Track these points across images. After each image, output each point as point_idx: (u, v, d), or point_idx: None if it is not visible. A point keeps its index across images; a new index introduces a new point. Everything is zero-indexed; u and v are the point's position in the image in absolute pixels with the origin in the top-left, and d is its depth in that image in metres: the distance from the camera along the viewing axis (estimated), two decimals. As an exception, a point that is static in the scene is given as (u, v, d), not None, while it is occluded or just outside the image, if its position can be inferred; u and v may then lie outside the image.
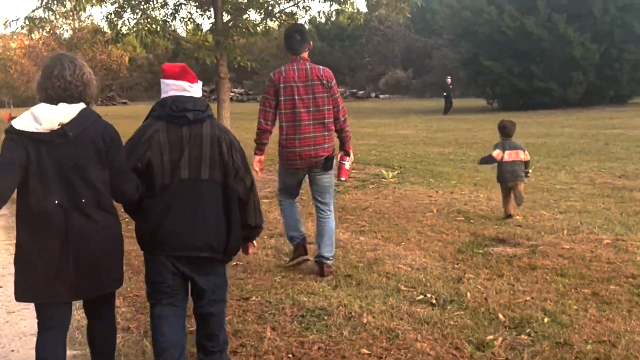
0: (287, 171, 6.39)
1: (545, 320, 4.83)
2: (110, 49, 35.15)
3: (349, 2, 13.46)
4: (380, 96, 70.15)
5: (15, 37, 39.81)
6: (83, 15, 31.48)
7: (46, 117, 3.40)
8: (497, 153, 8.47)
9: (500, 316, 4.97)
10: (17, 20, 12.00)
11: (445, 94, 37.18)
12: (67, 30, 32.63)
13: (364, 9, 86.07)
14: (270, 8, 13.88)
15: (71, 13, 16.56)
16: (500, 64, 34.99)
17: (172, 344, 3.87)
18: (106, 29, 13.44)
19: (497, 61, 35.04)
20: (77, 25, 30.04)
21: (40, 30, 12.11)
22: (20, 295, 3.55)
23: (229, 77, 12.92)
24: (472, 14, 36.22)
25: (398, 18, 72.69)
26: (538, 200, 9.54)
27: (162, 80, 3.94)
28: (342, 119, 6.32)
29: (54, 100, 3.49)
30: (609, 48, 34.04)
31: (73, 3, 11.86)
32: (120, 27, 13.19)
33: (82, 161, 3.47)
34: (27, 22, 11.87)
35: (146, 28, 13.15)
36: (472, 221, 8.34)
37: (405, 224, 8.34)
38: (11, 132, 3.42)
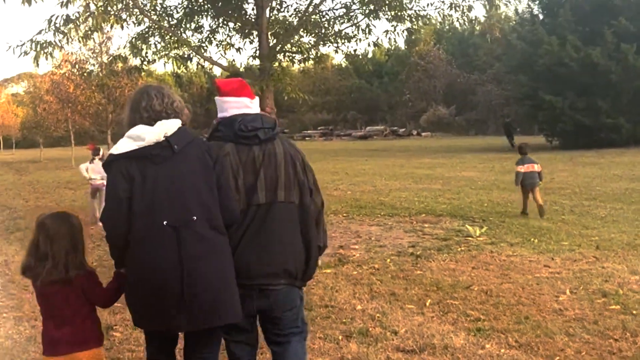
0: None
1: None
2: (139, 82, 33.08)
3: (421, 20, 10.96)
4: (422, 134, 67.71)
5: (45, 77, 38.11)
6: (112, 48, 29.57)
7: (149, 132, 3.24)
8: (519, 167, 11.78)
9: None
10: (22, 45, 9.66)
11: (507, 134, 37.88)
12: (93, 65, 30.64)
13: (401, 44, 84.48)
14: (324, 30, 11.51)
15: (97, 46, 14.44)
16: (562, 98, 32.09)
17: None
18: (127, 54, 11.14)
19: (558, 95, 32.11)
20: (105, 60, 28.22)
21: (49, 56, 9.82)
22: (138, 321, 3.36)
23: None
24: (529, 45, 33.55)
25: (439, 53, 71.05)
26: None
27: (220, 99, 3.66)
28: None
29: None
30: (684, 81, 30.97)
31: (88, 25, 9.66)
32: (146, 52, 10.91)
33: (190, 176, 3.26)
34: (32, 47, 9.65)
35: (177, 54, 10.94)
36: (634, 312, 5.78)
37: (538, 316, 5.78)
38: (111, 161, 3.27)
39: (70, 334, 3.37)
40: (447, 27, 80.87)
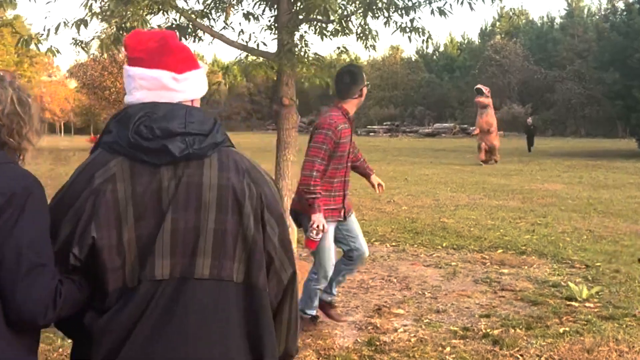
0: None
1: None
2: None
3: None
4: (494, 133, 63.51)
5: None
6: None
7: None
8: None
9: None
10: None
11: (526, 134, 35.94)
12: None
13: (475, 38, 79.92)
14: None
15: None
16: (660, 99, 27.94)
17: None
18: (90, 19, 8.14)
19: (656, 96, 27.97)
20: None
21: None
22: None
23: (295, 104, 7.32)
24: (624, 38, 29.39)
25: (516, 47, 66.61)
26: None
27: (125, 68, 1.87)
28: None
29: None
30: None
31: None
32: (125, 17, 7.92)
33: None
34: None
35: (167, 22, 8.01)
36: None
37: None
38: None
39: None
40: (524, 20, 76.66)
